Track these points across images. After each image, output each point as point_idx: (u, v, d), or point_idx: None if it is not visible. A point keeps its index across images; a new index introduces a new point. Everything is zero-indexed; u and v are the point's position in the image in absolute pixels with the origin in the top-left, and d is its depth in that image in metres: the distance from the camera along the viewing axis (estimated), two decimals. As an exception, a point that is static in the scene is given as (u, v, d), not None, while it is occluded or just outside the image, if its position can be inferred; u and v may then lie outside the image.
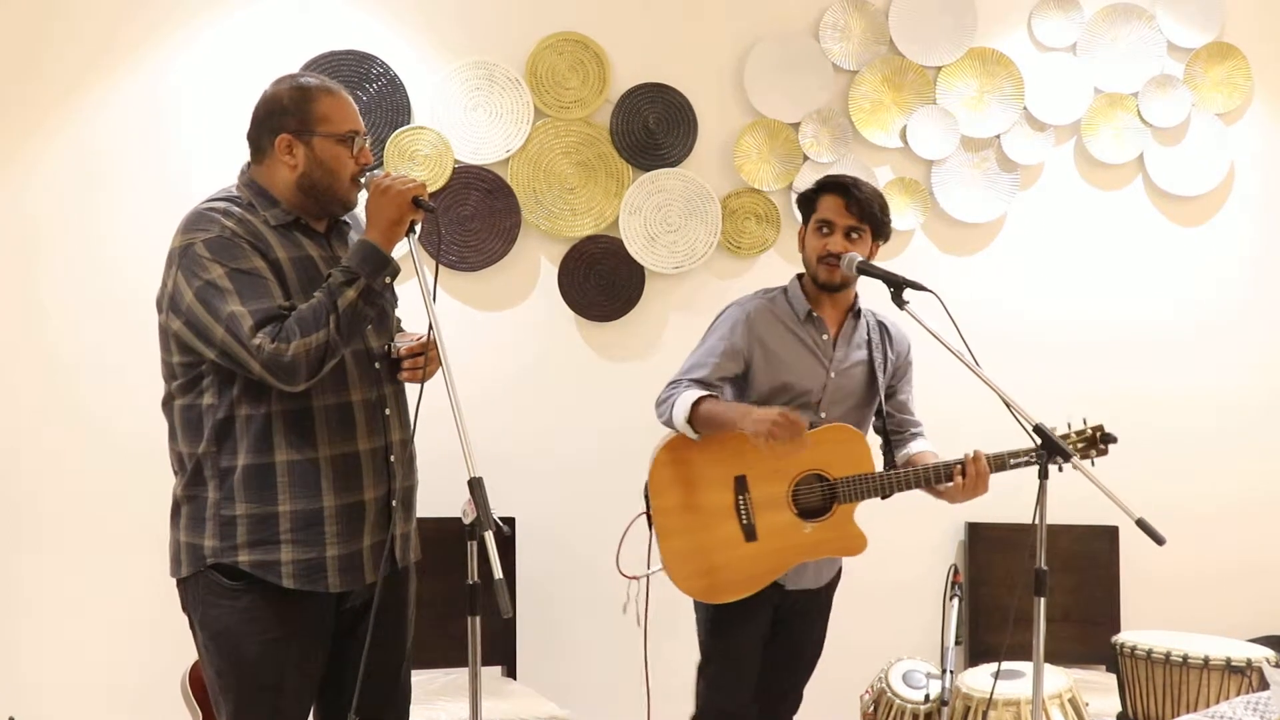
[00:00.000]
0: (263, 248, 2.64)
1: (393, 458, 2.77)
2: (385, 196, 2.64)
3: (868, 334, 3.41)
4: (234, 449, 2.65)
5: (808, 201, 3.39)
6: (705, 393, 3.22)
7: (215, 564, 2.67)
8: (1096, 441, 3.30)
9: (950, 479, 3.23)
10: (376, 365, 2.77)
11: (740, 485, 3.27)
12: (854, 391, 3.38)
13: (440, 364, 2.59)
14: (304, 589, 2.65)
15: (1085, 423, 3.33)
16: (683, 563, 3.26)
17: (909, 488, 3.28)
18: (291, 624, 2.67)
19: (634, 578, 3.34)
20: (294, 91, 2.72)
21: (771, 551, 3.27)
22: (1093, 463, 3.29)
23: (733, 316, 3.36)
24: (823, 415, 3.32)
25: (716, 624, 3.35)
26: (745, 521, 3.26)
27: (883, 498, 3.29)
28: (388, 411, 2.77)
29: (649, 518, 3.30)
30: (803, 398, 3.30)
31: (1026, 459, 3.20)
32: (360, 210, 2.85)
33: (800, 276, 3.42)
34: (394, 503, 2.77)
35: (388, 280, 2.64)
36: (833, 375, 3.33)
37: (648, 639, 3.43)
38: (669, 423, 3.26)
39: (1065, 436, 3.28)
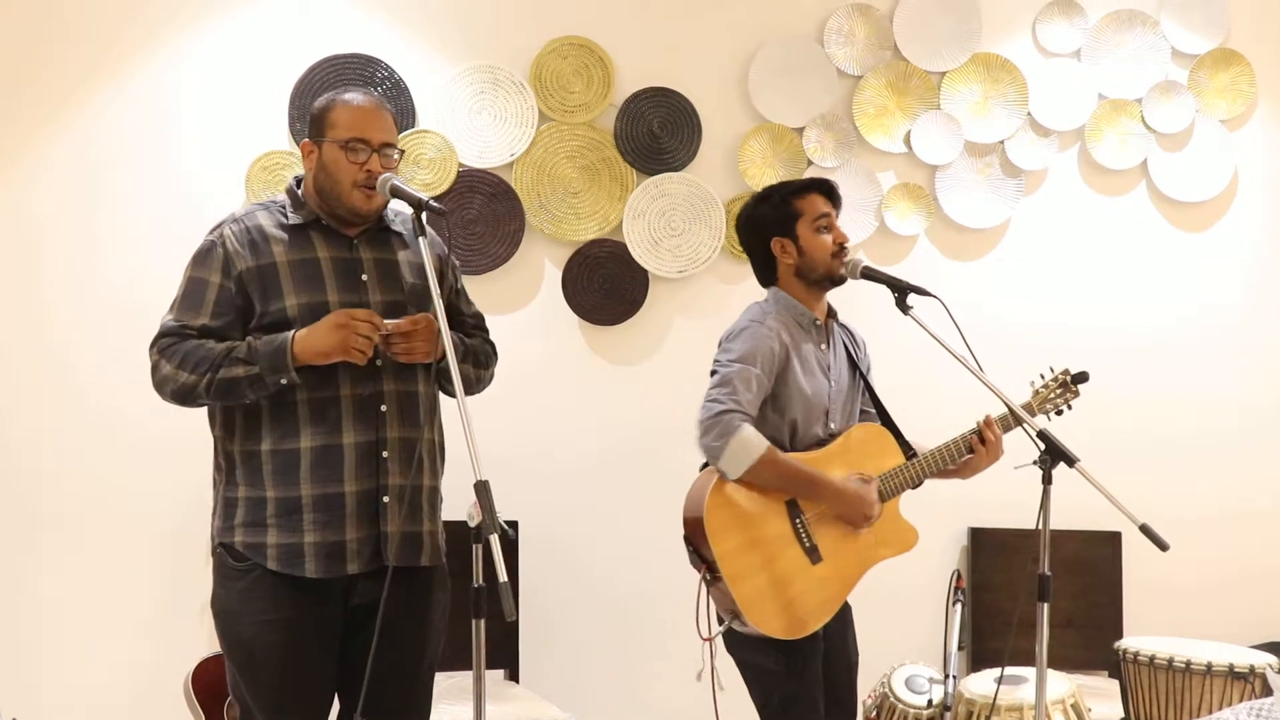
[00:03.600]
0: (247, 254, 2.78)
1: (386, 454, 2.79)
2: (339, 330, 2.70)
3: (838, 333, 3.40)
4: (234, 435, 2.82)
5: (784, 209, 3.27)
6: (768, 442, 3.06)
7: (220, 544, 2.82)
8: (1069, 385, 3.41)
9: (971, 450, 3.28)
10: (378, 363, 2.80)
11: (793, 509, 3.15)
12: (848, 395, 3.36)
13: (434, 346, 2.76)
14: (285, 572, 2.74)
15: (1053, 370, 3.44)
16: (762, 604, 3.06)
17: (938, 469, 3.28)
18: (289, 609, 2.74)
19: (710, 638, 3.12)
20: (324, 102, 2.88)
21: (838, 568, 3.17)
22: (1069, 407, 3.43)
23: (766, 340, 3.17)
24: (832, 426, 3.29)
25: (791, 661, 3.15)
26: (807, 544, 3.14)
27: (914, 487, 3.28)
28: (384, 408, 2.80)
29: (709, 569, 3.08)
30: (816, 411, 3.25)
31: (1028, 413, 3.31)
32: (404, 218, 2.93)
33: (775, 290, 3.32)
34: (385, 499, 2.78)
35: (282, 383, 2.71)
36: (833, 385, 3.32)
37: (717, 702, 3.19)
38: (718, 454, 3.04)
39: (1038, 392, 3.41)
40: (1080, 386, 3.43)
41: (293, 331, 2.73)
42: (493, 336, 3.03)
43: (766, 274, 3.35)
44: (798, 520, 3.14)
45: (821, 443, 3.24)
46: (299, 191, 2.89)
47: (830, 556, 3.16)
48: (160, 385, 2.78)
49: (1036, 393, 3.42)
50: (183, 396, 2.76)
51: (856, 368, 3.39)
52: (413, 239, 2.96)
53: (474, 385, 3.00)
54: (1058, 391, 3.41)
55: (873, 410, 3.40)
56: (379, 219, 2.91)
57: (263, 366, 2.70)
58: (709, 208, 4.48)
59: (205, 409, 2.86)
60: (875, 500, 3.19)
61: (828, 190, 3.31)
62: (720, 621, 3.14)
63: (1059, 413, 3.43)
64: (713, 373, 3.17)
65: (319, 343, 2.70)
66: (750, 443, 3.03)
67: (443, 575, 2.95)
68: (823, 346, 3.30)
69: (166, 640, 4.02)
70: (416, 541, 2.85)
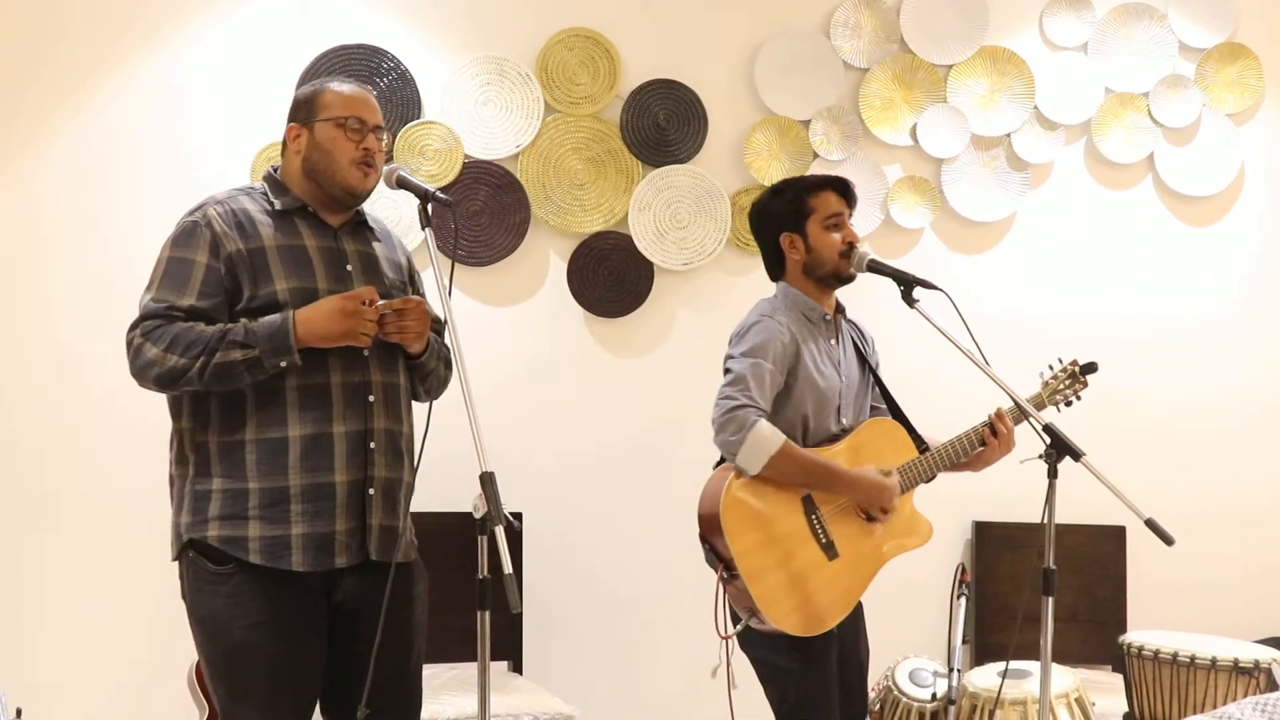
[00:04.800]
0: (236, 236, 2.73)
1: (373, 445, 2.77)
2: (349, 319, 2.67)
3: (847, 329, 3.40)
4: (208, 425, 2.73)
5: (796, 205, 3.26)
6: (784, 436, 3.05)
7: (190, 540, 2.73)
8: (1078, 376, 3.43)
9: (983, 443, 3.27)
10: (365, 352, 2.78)
11: (809, 504, 3.13)
12: (858, 390, 3.35)
13: (424, 330, 2.79)
14: (268, 565, 2.68)
15: (1061, 361, 3.46)
16: (779, 601, 3.05)
17: (950, 462, 3.28)
18: (276, 609, 2.69)
19: (728, 637, 3.10)
20: (311, 88, 2.88)
21: (854, 564, 3.15)
22: (1078, 398, 3.45)
23: (777, 335, 3.16)
24: (844, 422, 3.28)
25: (807, 659, 3.14)
26: (824, 540, 3.12)
27: (927, 481, 3.28)
28: (371, 398, 2.78)
29: (726, 567, 3.07)
30: (828, 406, 3.24)
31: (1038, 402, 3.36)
32: (388, 221, 2.94)
33: (783, 285, 3.32)
34: (370, 491, 2.76)
35: (282, 365, 2.66)
36: (844, 380, 3.31)
37: (732, 700, 3.16)
38: (735, 449, 3.03)
39: (1047, 384, 3.43)
40: (1088, 378, 3.44)
41: (290, 312, 2.68)
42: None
43: (775, 267, 3.34)
44: (813, 516, 3.13)
45: (834, 438, 3.23)
46: (278, 178, 2.86)
47: (846, 552, 3.15)
48: (144, 369, 2.65)
49: (1046, 384, 3.43)
50: (170, 382, 2.65)
51: (866, 363, 3.38)
52: (385, 234, 2.98)
53: (441, 386, 2.98)
54: (1066, 382, 3.42)
55: (883, 406, 3.40)
56: (356, 213, 2.91)
57: (263, 349, 2.63)
58: (714, 200, 4.47)
59: (169, 399, 2.77)
60: (895, 489, 3.17)
61: (843, 189, 3.30)
62: (736, 620, 3.13)
63: (1068, 404, 3.44)
64: (726, 370, 3.15)
65: (324, 328, 2.67)
66: (766, 437, 3.02)
67: (421, 570, 2.93)
68: (832, 342, 3.30)
69: (169, 631, 4.01)
70: (392, 536, 2.81)
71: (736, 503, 3.06)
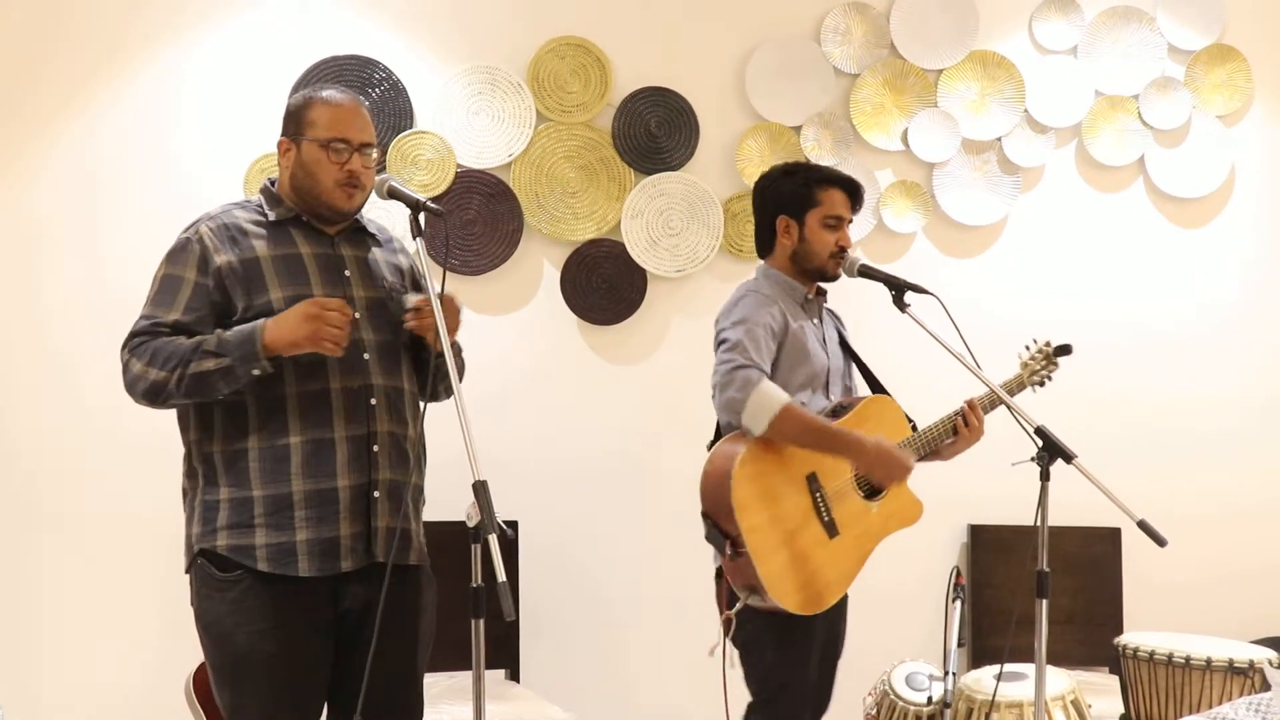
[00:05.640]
0: (227, 249, 2.74)
1: (376, 448, 2.77)
2: (311, 321, 2.64)
3: (827, 313, 3.43)
4: (213, 435, 2.74)
5: (803, 193, 3.28)
6: (788, 396, 3.06)
7: (201, 550, 2.73)
8: (1052, 357, 3.49)
9: (956, 433, 3.30)
10: (365, 356, 2.77)
11: (813, 482, 3.14)
12: (842, 371, 3.39)
13: (456, 325, 2.78)
14: (276, 572, 2.68)
15: (1035, 342, 3.51)
16: (783, 580, 3.05)
17: (937, 442, 3.30)
18: (282, 615, 2.69)
19: (729, 616, 3.10)
20: (301, 100, 2.85)
21: (852, 542, 3.17)
22: (1050, 378, 3.50)
23: (766, 305, 3.20)
24: (831, 398, 3.30)
25: (790, 651, 3.17)
26: (826, 519, 3.14)
27: (921, 458, 3.28)
28: (374, 401, 2.77)
29: (732, 544, 3.05)
30: (817, 381, 3.26)
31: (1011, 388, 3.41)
32: (393, 228, 2.93)
33: (765, 266, 3.35)
34: (376, 494, 2.76)
35: (254, 373, 2.65)
36: (830, 357, 3.33)
37: (726, 677, 3.16)
38: (740, 407, 3.02)
39: (1025, 364, 3.48)
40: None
41: (262, 320, 2.67)
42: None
43: (765, 245, 3.36)
44: (818, 495, 3.14)
45: (833, 414, 3.25)
46: (273, 190, 2.86)
47: (846, 530, 3.17)
48: (131, 385, 2.69)
49: (1025, 364, 3.47)
50: (154, 395, 2.67)
51: (847, 346, 3.40)
52: (386, 239, 2.98)
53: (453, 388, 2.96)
54: (1043, 364, 3.47)
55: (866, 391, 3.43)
56: (354, 220, 2.90)
57: (233, 357, 2.63)
58: (707, 207, 4.48)
59: (177, 413, 2.79)
60: (909, 462, 3.16)
61: (852, 191, 3.32)
62: (734, 599, 3.13)
63: (1042, 384, 3.48)
64: (721, 341, 3.15)
65: (289, 332, 2.64)
66: (771, 394, 3.02)
67: (429, 576, 2.92)
68: (815, 321, 3.32)
69: (167, 641, 4.02)
70: (406, 539, 2.81)
71: (745, 479, 3.05)
